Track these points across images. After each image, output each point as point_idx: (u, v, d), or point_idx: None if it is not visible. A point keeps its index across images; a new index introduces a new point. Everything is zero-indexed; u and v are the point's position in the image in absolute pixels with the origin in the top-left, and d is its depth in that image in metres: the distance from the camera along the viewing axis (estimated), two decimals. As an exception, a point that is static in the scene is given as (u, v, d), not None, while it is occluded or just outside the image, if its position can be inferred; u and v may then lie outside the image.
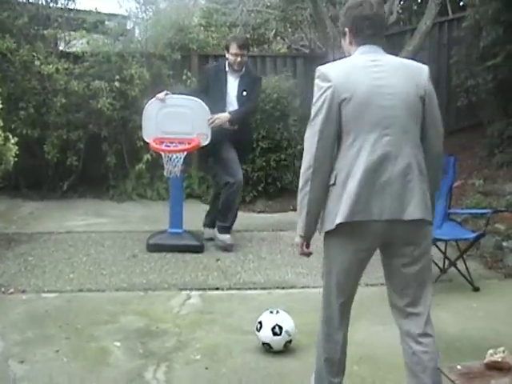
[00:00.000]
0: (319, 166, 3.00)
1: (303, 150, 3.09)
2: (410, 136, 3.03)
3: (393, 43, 9.38)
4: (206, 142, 6.33)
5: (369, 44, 3.12)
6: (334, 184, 3.03)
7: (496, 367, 2.98)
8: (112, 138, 8.42)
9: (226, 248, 6.52)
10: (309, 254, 3.24)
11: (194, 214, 7.37)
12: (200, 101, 6.29)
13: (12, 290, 5.32)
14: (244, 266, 6.13)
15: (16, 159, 6.54)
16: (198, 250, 6.42)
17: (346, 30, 3.21)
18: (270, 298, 5.37)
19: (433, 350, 3.17)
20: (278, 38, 13.00)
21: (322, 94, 3.00)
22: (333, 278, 3.22)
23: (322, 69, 3.09)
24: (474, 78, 8.44)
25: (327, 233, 3.10)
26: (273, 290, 5.56)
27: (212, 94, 6.48)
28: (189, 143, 6.25)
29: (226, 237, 6.58)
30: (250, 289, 5.57)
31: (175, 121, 6.21)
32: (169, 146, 6.25)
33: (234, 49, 6.42)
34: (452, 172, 6.03)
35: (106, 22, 9.54)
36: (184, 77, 8.53)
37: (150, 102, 6.38)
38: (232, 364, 4.15)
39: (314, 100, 3.05)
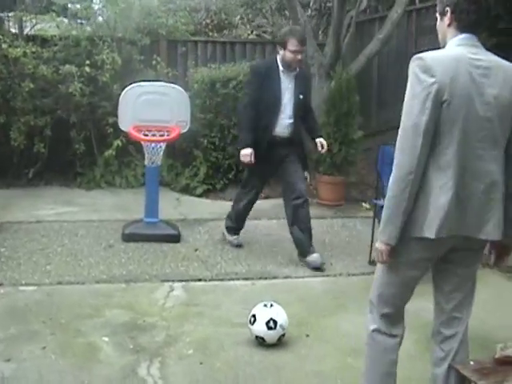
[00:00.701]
0: (419, 171, 2.75)
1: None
2: (498, 150, 2.86)
3: (362, 31, 9.43)
4: (186, 129, 6.24)
5: (470, 33, 2.87)
6: (422, 190, 2.80)
7: (507, 362, 3.01)
8: (80, 125, 8.22)
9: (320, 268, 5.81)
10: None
11: (166, 203, 7.28)
12: (179, 87, 6.17)
13: (-12, 284, 5.16)
14: (223, 255, 6.06)
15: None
16: (175, 239, 6.32)
17: (448, 9, 2.91)
18: (254, 288, 5.33)
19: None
20: (240, 23, 12.90)
21: (424, 89, 2.73)
22: (389, 287, 3.09)
23: (425, 58, 2.79)
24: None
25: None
26: (256, 280, 5.52)
27: (264, 97, 5.63)
28: (168, 131, 6.15)
29: (314, 256, 5.85)
30: (232, 279, 5.51)
31: (153, 108, 6.07)
32: (147, 135, 6.14)
33: (293, 45, 5.51)
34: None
35: (70, 5, 9.30)
36: (154, 62, 8.37)
37: (126, 89, 6.23)
38: (226, 358, 4.10)
39: (412, 93, 2.78)
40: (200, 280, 5.46)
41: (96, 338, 4.31)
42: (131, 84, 6.40)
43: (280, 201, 8.15)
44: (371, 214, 7.29)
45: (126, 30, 8.25)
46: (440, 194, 2.77)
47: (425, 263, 3.00)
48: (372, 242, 5.93)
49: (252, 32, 12.50)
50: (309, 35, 8.54)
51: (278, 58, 5.67)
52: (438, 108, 2.72)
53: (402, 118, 2.81)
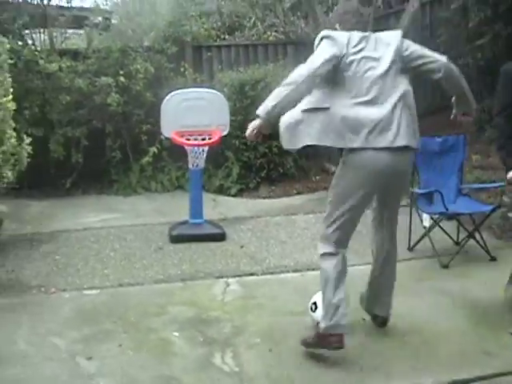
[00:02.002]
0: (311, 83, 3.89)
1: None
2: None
3: (378, 27, 9.63)
4: (226, 133, 6.50)
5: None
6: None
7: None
8: (115, 133, 8.49)
9: None
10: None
11: (203, 204, 7.51)
12: (217, 92, 6.44)
13: (53, 290, 5.40)
14: (269, 250, 6.32)
15: (29, 159, 6.64)
16: (221, 238, 6.59)
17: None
18: (305, 279, 5.57)
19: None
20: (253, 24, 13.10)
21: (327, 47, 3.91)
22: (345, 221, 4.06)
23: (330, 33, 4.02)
24: (463, 57, 8.75)
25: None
26: (304, 272, 5.76)
27: None
28: (209, 135, 6.42)
29: None
30: (282, 272, 5.77)
31: (194, 114, 6.36)
32: (189, 139, 6.41)
33: None
34: (462, 149, 6.31)
35: (92, 18, 9.55)
36: (182, 69, 8.65)
37: (167, 97, 6.50)
38: (292, 344, 4.30)
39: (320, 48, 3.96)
40: (252, 274, 5.72)
41: (167, 333, 4.56)
42: (163, 91, 6.67)
43: (312, 195, 8.45)
44: (405, 202, 7.57)
45: (154, 40, 8.52)
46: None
47: (365, 195, 3.97)
48: (410, 229, 6.20)
49: (265, 32, 12.74)
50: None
51: None
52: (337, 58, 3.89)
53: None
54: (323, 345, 4.05)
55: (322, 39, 3.99)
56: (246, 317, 4.81)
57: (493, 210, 5.97)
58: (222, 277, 5.65)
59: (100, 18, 9.39)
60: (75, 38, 8.91)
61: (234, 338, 4.46)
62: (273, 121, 3.87)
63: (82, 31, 8.55)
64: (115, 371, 4.05)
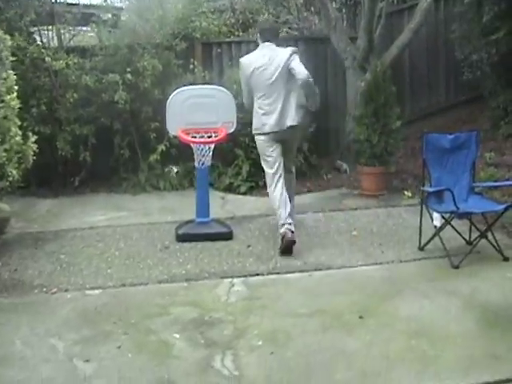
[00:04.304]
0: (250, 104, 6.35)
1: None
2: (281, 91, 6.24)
3: (391, 22, 9.51)
4: (232, 130, 6.40)
5: (268, 42, 6.24)
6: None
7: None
8: (124, 131, 8.41)
9: None
10: None
11: (212, 202, 7.33)
12: (223, 89, 6.33)
13: (55, 290, 5.32)
14: (276, 250, 6.16)
15: (34, 157, 6.59)
16: (227, 237, 6.48)
17: (257, 34, 6.49)
18: (312, 280, 5.46)
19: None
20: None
21: (243, 72, 6.37)
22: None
23: (242, 59, 6.45)
24: (477, 52, 8.58)
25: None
26: (312, 272, 5.63)
27: None
28: (215, 132, 6.32)
29: None
30: (289, 272, 5.64)
31: (200, 111, 6.26)
32: (195, 137, 6.31)
33: None
34: (475, 146, 6.15)
35: (100, 15, 9.48)
36: (191, 66, 8.55)
37: (173, 94, 6.40)
38: (295, 347, 4.22)
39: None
40: (258, 275, 5.60)
41: (167, 335, 4.46)
42: (171, 88, 6.58)
43: (323, 194, 8.33)
44: (414, 201, 7.41)
45: (163, 36, 8.43)
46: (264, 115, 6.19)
47: (272, 144, 6.21)
48: (420, 229, 6.05)
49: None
50: (341, 30, 8.68)
51: None
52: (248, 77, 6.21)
53: None
54: None
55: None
56: (249, 318, 4.70)
57: (506, 209, 5.79)
58: (226, 277, 5.54)
59: (109, 15, 9.29)
60: (84, 35, 8.80)
61: (236, 341, 4.36)
62: None
63: (90, 28, 8.45)
64: (112, 374, 3.96)
